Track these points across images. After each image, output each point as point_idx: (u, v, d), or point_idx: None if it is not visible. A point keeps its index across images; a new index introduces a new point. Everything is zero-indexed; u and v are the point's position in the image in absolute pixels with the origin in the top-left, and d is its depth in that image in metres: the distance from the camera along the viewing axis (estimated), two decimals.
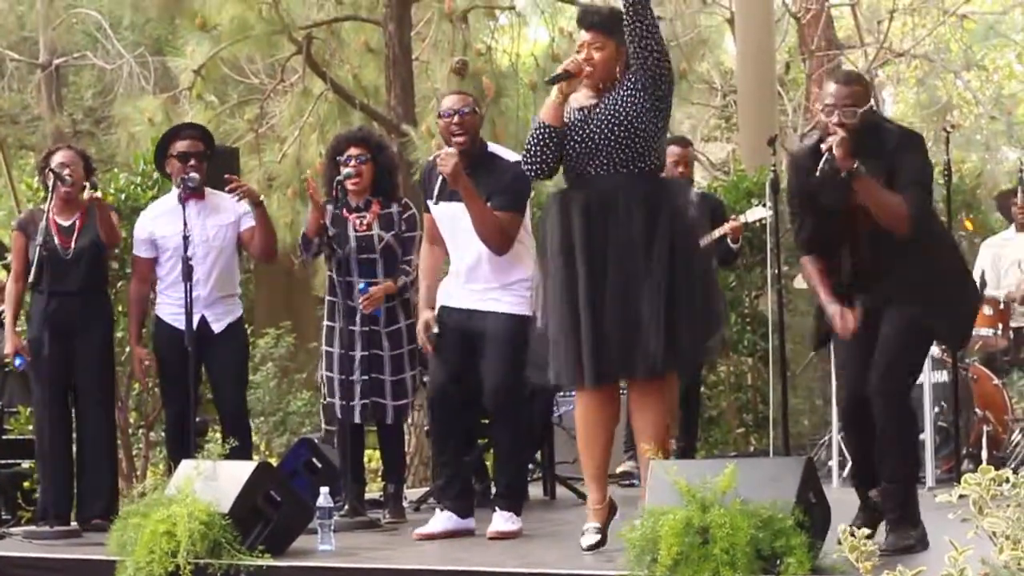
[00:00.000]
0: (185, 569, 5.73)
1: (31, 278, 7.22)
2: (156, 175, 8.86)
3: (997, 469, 4.40)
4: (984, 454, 8.34)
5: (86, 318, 7.40)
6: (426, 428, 8.24)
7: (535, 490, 8.47)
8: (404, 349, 7.40)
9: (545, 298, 5.88)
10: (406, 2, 10.91)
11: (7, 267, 8.04)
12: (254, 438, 8.88)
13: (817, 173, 5.38)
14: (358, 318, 7.29)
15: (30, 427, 8.29)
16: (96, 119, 18.70)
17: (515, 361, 6.18)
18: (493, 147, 6.85)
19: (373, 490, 8.48)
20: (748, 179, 11.13)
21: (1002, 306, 8.95)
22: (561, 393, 8.24)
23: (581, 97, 5.89)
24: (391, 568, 5.77)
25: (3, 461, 8.67)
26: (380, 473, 8.11)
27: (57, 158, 7.48)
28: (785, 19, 18.83)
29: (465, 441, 7.00)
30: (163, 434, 8.21)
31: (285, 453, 9.24)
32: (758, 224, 9.33)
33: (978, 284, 9.01)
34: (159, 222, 7.56)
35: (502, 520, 6.50)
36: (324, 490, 6.27)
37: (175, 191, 7.50)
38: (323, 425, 7.64)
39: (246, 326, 7.83)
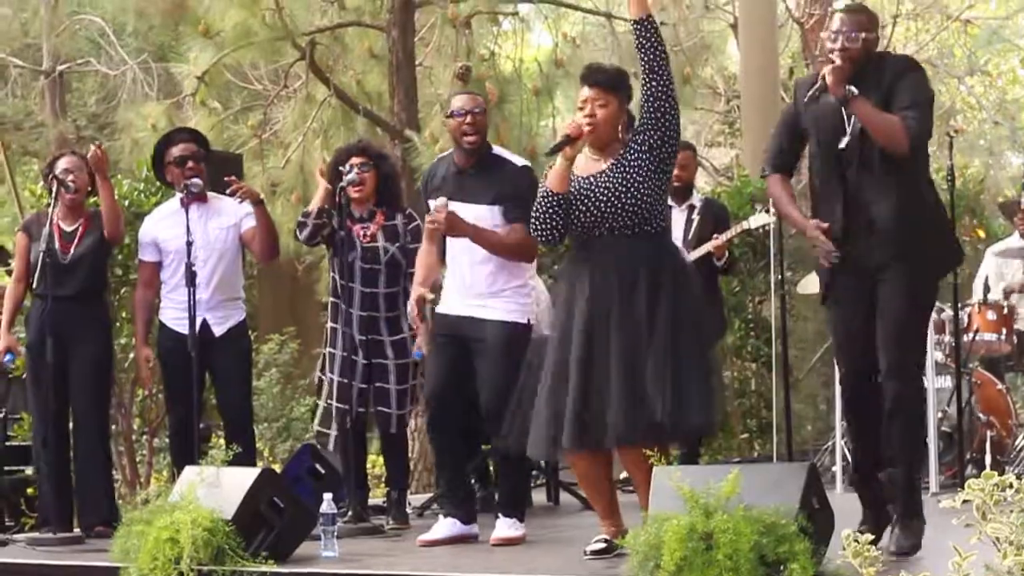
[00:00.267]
0: None
1: (33, 282, 7.24)
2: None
3: (1001, 474, 4.39)
4: (988, 459, 8.33)
5: (83, 323, 7.38)
6: None
7: (539, 496, 8.47)
8: (408, 359, 7.41)
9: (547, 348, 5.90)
10: (409, 8, 10.90)
11: (10, 272, 8.04)
12: (257, 444, 8.86)
13: (805, 100, 5.58)
14: (357, 325, 7.29)
15: None
16: (100, 125, 18.66)
17: (511, 368, 6.17)
18: (498, 149, 6.89)
19: (377, 496, 8.48)
20: (752, 184, 11.10)
21: (1005, 309, 8.93)
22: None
23: (587, 162, 5.87)
24: (394, 575, 5.76)
25: (7, 467, 8.68)
26: (384, 479, 8.11)
27: (61, 164, 7.50)
28: (789, 24, 18.81)
29: (465, 446, 7.00)
30: (167, 440, 8.21)
31: (288, 459, 9.24)
32: (761, 230, 9.31)
33: (981, 291, 9.02)
34: (162, 225, 7.59)
35: (505, 526, 6.51)
36: (328, 496, 6.26)
37: (178, 195, 7.52)
38: (316, 427, 7.60)
39: (250, 331, 7.83)
